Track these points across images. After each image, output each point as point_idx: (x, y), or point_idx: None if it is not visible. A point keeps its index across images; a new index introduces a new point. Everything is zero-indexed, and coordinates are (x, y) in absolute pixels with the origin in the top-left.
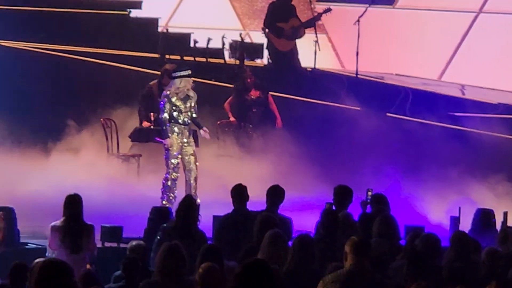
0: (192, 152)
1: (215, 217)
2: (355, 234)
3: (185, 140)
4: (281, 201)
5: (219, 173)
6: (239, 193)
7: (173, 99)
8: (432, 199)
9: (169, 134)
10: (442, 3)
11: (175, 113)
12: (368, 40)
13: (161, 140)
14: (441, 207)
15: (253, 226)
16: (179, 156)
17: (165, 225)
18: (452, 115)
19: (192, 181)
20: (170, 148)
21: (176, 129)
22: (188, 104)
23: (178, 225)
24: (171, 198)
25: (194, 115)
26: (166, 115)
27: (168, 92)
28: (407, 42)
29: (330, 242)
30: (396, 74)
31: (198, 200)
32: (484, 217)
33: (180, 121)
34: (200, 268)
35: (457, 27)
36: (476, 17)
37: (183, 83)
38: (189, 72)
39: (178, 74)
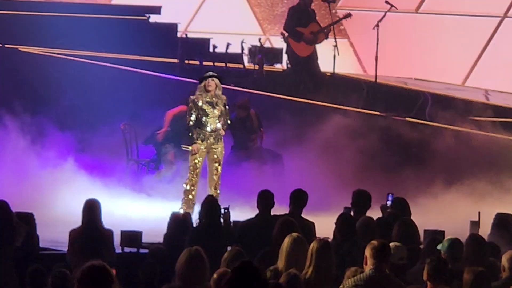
0: (214, 158)
1: (234, 222)
2: (375, 238)
3: (210, 146)
4: (304, 205)
5: (240, 179)
6: (265, 198)
7: (199, 103)
8: (451, 205)
9: (194, 140)
10: (466, 8)
11: (203, 118)
12: (391, 44)
13: (187, 148)
14: (461, 213)
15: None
16: (199, 160)
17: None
18: (472, 120)
19: (212, 188)
20: (193, 154)
21: (201, 135)
22: (217, 112)
23: (203, 225)
24: (190, 203)
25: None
26: (192, 118)
27: (193, 97)
28: (430, 46)
29: (348, 246)
30: (415, 79)
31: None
32: (501, 221)
33: (207, 128)
34: (214, 273)
35: (481, 32)
36: (500, 22)
37: (201, 85)
38: (208, 74)
39: (201, 77)
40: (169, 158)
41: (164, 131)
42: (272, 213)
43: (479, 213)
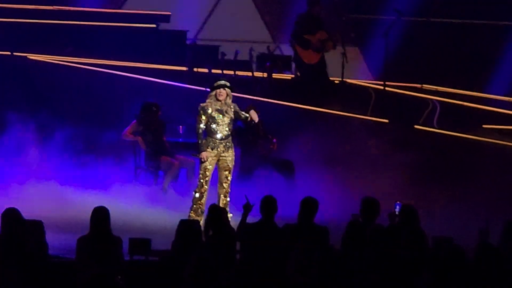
0: (225, 166)
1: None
2: (384, 246)
3: (220, 154)
4: (315, 212)
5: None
6: (267, 204)
7: (209, 111)
8: (457, 213)
9: (204, 148)
10: (476, 14)
11: (212, 126)
12: (400, 51)
13: (196, 156)
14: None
15: (277, 237)
16: (209, 168)
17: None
18: (482, 128)
19: (222, 196)
20: (203, 161)
21: (211, 142)
22: (226, 120)
23: (210, 237)
24: (199, 210)
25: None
26: (201, 126)
27: (203, 104)
28: (439, 54)
29: (357, 254)
30: (422, 86)
31: (230, 215)
32: (510, 228)
33: (217, 135)
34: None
35: (491, 39)
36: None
37: (212, 94)
38: (219, 82)
39: (213, 86)
40: (168, 162)
41: (142, 139)
42: (279, 221)
43: (487, 220)
